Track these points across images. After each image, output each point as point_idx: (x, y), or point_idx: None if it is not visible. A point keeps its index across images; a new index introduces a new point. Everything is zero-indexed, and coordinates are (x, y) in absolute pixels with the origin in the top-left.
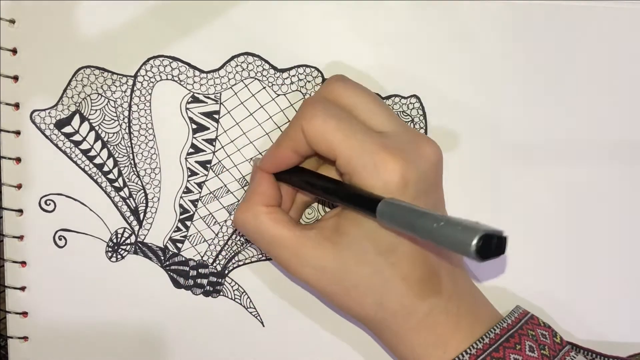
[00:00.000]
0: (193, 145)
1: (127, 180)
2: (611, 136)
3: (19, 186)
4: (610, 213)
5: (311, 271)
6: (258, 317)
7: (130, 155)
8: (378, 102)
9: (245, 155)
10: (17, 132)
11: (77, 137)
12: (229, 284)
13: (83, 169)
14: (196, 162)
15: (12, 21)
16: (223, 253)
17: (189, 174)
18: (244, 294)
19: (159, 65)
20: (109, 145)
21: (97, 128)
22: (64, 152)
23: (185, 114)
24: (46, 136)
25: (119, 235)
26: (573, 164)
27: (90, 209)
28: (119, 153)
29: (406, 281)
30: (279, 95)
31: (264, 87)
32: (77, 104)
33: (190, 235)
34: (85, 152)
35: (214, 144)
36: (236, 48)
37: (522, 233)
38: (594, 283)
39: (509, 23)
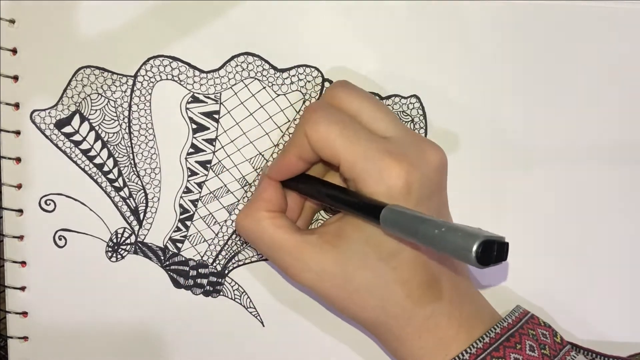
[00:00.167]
0: (193, 145)
1: (127, 180)
2: (611, 137)
3: (19, 186)
4: (610, 213)
5: (313, 276)
6: (258, 317)
7: (130, 155)
8: (381, 107)
9: (245, 155)
10: (17, 132)
11: (77, 137)
12: (229, 283)
13: (83, 169)
14: (196, 162)
15: (12, 21)
16: (223, 253)
17: (189, 173)
18: (244, 294)
19: (159, 65)
20: (109, 145)
21: (97, 128)
22: (64, 152)
23: (185, 114)
24: (46, 136)
25: (119, 235)
26: (573, 164)
27: (90, 209)
28: (119, 153)
29: (407, 285)
30: (279, 95)
31: (264, 87)
32: (77, 104)
33: (190, 235)
34: (85, 152)
35: (214, 143)
36: (236, 48)
37: (522, 233)
38: (594, 283)
39: (509, 23)
